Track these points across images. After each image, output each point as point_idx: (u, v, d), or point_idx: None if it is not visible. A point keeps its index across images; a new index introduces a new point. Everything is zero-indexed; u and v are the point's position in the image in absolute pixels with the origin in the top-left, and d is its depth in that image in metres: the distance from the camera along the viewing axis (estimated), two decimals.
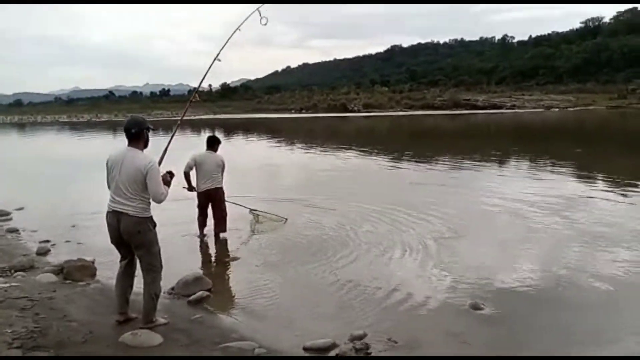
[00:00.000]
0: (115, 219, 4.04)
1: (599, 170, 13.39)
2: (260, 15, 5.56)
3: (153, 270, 4.19)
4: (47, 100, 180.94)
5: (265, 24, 5.45)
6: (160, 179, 4.06)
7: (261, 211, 8.54)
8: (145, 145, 4.15)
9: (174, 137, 4.95)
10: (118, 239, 4.14)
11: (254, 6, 5.72)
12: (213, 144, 7.66)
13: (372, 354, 3.87)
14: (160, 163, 4.30)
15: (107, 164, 4.11)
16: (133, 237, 4.05)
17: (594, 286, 5.30)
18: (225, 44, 5.65)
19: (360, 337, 4.08)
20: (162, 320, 4.33)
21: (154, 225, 4.18)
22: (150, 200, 4.09)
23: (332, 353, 3.89)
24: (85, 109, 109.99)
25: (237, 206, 8.39)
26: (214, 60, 5.61)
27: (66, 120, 76.61)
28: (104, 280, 5.63)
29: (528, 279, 5.50)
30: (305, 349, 3.97)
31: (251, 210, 8.54)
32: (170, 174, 4.35)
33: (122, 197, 3.99)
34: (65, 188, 12.64)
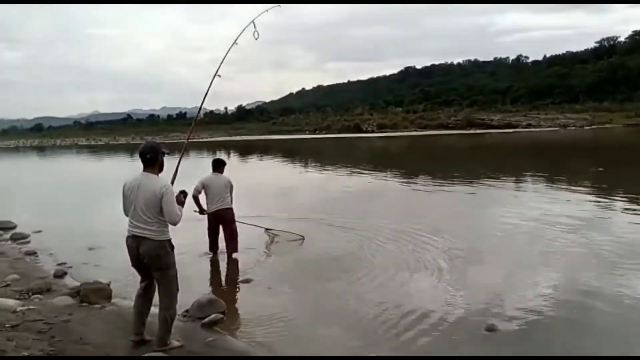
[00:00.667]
0: (135, 243, 4.11)
1: (619, 189, 13.20)
2: (254, 27, 5.73)
3: (170, 294, 4.23)
4: (66, 124, 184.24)
5: (257, 38, 5.66)
6: (175, 200, 4.12)
7: (277, 230, 8.55)
8: (161, 170, 4.23)
9: (183, 157, 5.03)
10: (138, 262, 4.20)
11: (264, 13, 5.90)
12: (219, 166, 7.78)
13: None
14: (172, 183, 4.40)
15: (123, 189, 4.19)
16: (153, 260, 4.11)
17: (611, 311, 5.20)
18: (224, 59, 5.77)
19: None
20: (176, 343, 4.34)
21: (172, 247, 4.23)
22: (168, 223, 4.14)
23: None
24: (104, 132, 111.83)
25: (252, 227, 8.43)
26: (214, 76, 5.72)
27: (85, 143, 77.96)
28: (120, 303, 5.67)
29: (544, 302, 5.41)
30: None
31: (267, 229, 8.57)
32: (184, 194, 4.43)
33: (141, 221, 4.06)
34: (82, 211, 12.82)
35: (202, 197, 7.64)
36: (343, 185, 16.80)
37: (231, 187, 7.66)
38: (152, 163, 4.14)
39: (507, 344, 4.46)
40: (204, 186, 7.55)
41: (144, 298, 4.39)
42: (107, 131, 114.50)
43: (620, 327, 4.84)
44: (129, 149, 49.36)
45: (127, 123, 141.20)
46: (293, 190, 16.60)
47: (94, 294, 5.81)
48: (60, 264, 7.51)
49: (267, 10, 6.24)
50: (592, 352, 4.31)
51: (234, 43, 5.69)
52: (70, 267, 7.34)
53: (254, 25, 5.77)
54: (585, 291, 5.69)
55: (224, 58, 5.75)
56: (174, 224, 4.14)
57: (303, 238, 8.50)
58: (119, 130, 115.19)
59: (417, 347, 4.44)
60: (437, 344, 4.50)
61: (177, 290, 4.32)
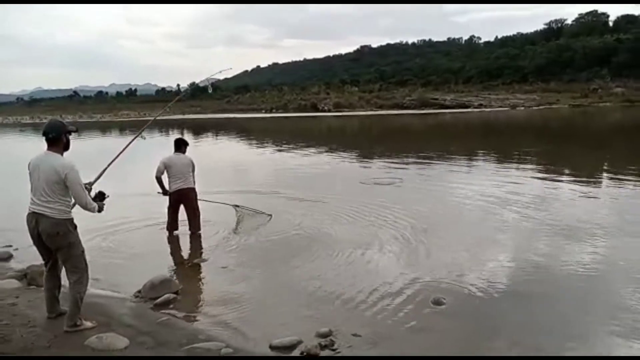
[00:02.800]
0: (34, 220, 4.10)
1: (564, 166, 13.89)
2: (210, 85, 6.10)
3: (76, 271, 4.22)
4: (8, 100, 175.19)
5: (210, 92, 5.95)
6: (82, 183, 4.14)
7: (245, 208, 8.62)
8: (66, 148, 4.23)
9: (123, 152, 5.26)
10: (38, 240, 4.18)
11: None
12: (180, 146, 7.75)
13: (337, 350, 3.96)
14: (99, 178, 4.62)
15: (28, 168, 4.18)
16: (52, 238, 4.10)
17: (559, 279, 5.56)
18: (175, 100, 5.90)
19: (326, 335, 4.18)
20: (88, 324, 4.30)
21: (75, 227, 4.22)
22: (71, 204, 4.17)
23: (298, 350, 3.97)
24: (49, 110, 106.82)
25: (218, 205, 8.49)
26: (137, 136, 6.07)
27: (29, 121, 74.28)
28: (67, 283, 5.56)
29: (493, 274, 5.69)
30: (271, 347, 4.04)
31: (235, 206, 8.60)
32: (101, 196, 4.43)
33: (41, 199, 4.07)
34: (26, 191, 12.32)
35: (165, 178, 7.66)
36: (303, 164, 16.91)
37: (193, 166, 7.68)
38: (56, 142, 4.14)
39: (452, 315, 4.67)
40: (165, 166, 7.55)
41: (50, 278, 4.39)
42: (52, 109, 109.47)
43: (568, 294, 5.17)
44: (76, 127, 47.46)
45: (73, 100, 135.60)
46: (253, 168, 16.59)
47: (41, 276, 5.65)
48: (4, 247, 7.27)
49: (220, 72, 6.65)
50: (539, 315, 4.60)
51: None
52: (16, 249, 7.11)
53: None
54: (532, 264, 6.01)
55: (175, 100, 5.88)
56: (86, 209, 4.20)
57: (271, 216, 8.59)
58: (64, 107, 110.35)
59: (365, 319, 4.60)
60: (387, 316, 4.67)
61: (87, 267, 4.31)
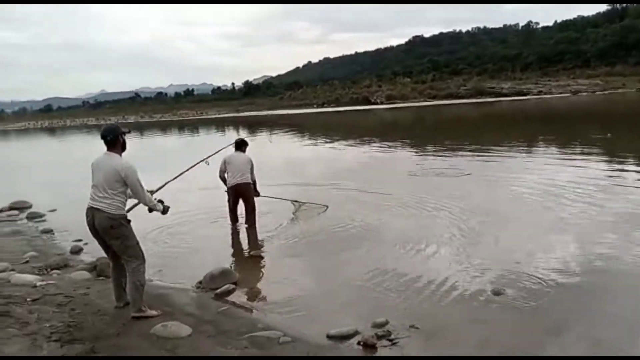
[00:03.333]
0: (91, 214, 4.39)
1: (632, 155, 13.09)
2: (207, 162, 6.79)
3: (132, 261, 4.46)
4: (75, 104, 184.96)
5: (208, 164, 6.76)
6: (140, 181, 4.41)
7: (301, 201, 8.89)
8: (123, 149, 4.53)
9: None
10: (94, 233, 4.47)
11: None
12: (240, 146, 8.14)
13: (395, 340, 3.95)
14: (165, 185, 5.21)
15: (91, 167, 4.49)
16: (106, 231, 4.37)
17: (624, 273, 5.25)
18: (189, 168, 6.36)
19: (383, 325, 4.17)
20: (153, 312, 4.54)
21: (128, 222, 4.50)
22: (126, 202, 4.47)
23: (355, 340, 3.98)
24: (112, 111, 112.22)
25: (277, 200, 8.76)
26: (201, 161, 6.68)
27: (94, 123, 78.21)
28: None
29: (556, 266, 5.47)
30: (328, 336, 4.07)
31: (292, 201, 8.93)
32: (160, 204, 4.74)
33: (99, 195, 4.34)
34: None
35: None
36: (358, 157, 16.95)
37: (252, 164, 7.97)
38: (114, 143, 4.45)
39: (512, 307, 4.54)
40: (225, 164, 7.89)
41: (115, 268, 4.66)
42: (115, 110, 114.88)
43: (629, 294, 4.86)
44: (137, 128, 49.58)
45: (135, 102, 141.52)
46: (308, 162, 16.78)
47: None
48: (76, 241, 7.70)
49: (217, 152, 7.49)
50: (594, 315, 4.38)
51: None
52: (86, 243, 7.49)
53: (207, 162, 6.78)
54: (597, 257, 5.71)
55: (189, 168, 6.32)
56: (147, 205, 4.60)
57: (327, 207, 8.75)
58: (127, 109, 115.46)
59: (422, 310, 4.55)
60: (445, 307, 4.61)
61: (143, 257, 4.55)
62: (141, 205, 4.73)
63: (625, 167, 11.51)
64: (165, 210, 4.77)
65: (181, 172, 5.90)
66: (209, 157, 6.75)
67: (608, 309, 4.47)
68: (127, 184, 4.35)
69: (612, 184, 9.59)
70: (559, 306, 4.53)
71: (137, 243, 4.55)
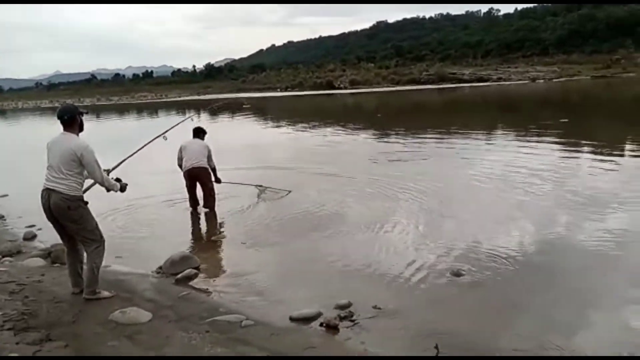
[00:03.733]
0: (47, 195, 4.27)
1: (585, 138, 13.54)
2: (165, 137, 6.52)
3: (90, 243, 4.39)
4: (28, 85, 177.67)
5: (166, 139, 6.46)
6: (97, 161, 4.32)
7: (265, 186, 8.88)
8: (81, 129, 4.43)
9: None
10: (50, 215, 4.34)
11: None
12: (198, 133, 8.08)
13: (357, 321, 3.98)
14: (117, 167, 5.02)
15: (47, 147, 4.36)
16: (63, 212, 4.26)
17: (580, 251, 5.46)
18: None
19: (346, 306, 4.20)
20: (106, 293, 4.50)
21: (86, 203, 4.39)
22: (82, 182, 4.37)
23: (318, 321, 4.00)
24: (67, 93, 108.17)
25: (238, 185, 8.75)
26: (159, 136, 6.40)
27: (48, 105, 75.19)
28: None
29: (514, 246, 5.62)
30: (291, 319, 4.07)
31: (255, 185, 8.91)
32: (118, 182, 4.64)
33: (54, 175, 4.24)
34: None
35: None
36: (320, 141, 16.92)
37: (209, 150, 7.89)
38: (71, 123, 4.34)
39: (471, 287, 4.66)
40: (182, 149, 7.84)
41: (71, 253, 4.56)
42: (71, 92, 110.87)
43: (589, 265, 5.11)
44: (94, 110, 47.99)
45: (91, 83, 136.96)
46: (270, 145, 16.66)
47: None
48: (29, 227, 7.43)
49: (174, 127, 7.10)
50: (550, 292, 4.52)
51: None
52: (40, 229, 7.23)
53: (165, 137, 6.47)
54: (553, 238, 5.92)
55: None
56: (103, 185, 4.50)
57: (289, 192, 8.74)
58: (83, 91, 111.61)
59: (384, 291, 4.61)
60: (407, 289, 4.68)
61: (102, 238, 4.47)
62: (97, 185, 4.60)
63: (580, 150, 11.94)
64: (123, 188, 4.67)
65: (138, 148, 5.71)
66: (166, 131, 6.54)
67: (563, 287, 4.62)
68: (83, 164, 4.24)
69: (567, 167, 9.94)
70: (516, 285, 4.68)
71: (97, 225, 4.45)
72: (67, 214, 4.26)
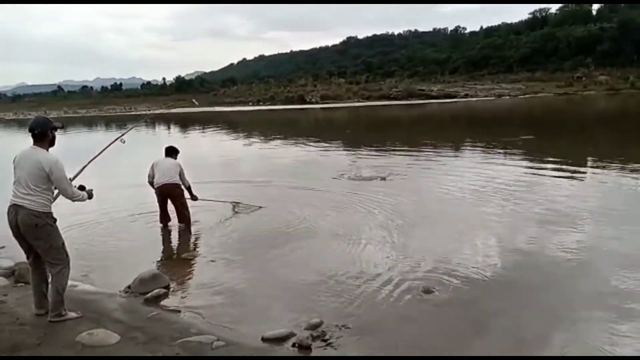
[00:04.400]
0: (14, 212, 4.14)
1: (550, 153, 13.98)
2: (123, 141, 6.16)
3: (57, 264, 4.26)
4: None
5: (124, 142, 6.12)
6: (66, 177, 4.22)
7: (237, 202, 8.91)
8: (51, 144, 4.31)
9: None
10: (17, 232, 4.21)
11: None
12: (171, 153, 8.07)
13: (329, 340, 3.99)
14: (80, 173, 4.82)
15: (13, 162, 4.24)
16: (30, 229, 4.14)
17: (546, 267, 5.60)
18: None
19: (317, 325, 4.20)
20: (72, 314, 4.37)
21: (54, 220, 4.27)
22: (52, 199, 4.25)
23: (290, 342, 3.98)
24: (32, 105, 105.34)
25: (211, 202, 8.70)
26: (117, 139, 6.09)
27: (12, 117, 73.11)
28: None
29: (482, 263, 5.72)
30: (263, 339, 4.05)
31: (227, 202, 8.93)
32: (81, 189, 4.47)
33: (22, 191, 4.11)
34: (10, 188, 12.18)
35: None
36: (291, 155, 16.95)
37: (181, 169, 7.88)
38: (41, 138, 4.22)
39: (441, 304, 4.72)
40: (154, 167, 7.82)
41: (35, 273, 4.41)
42: (36, 104, 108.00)
43: (556, 280, 5.23)
44: (61, 122, 46.78)
45: (57, 95, 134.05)
46: (242, 160, 16.60)
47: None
48: None
49: (130, 129, 7.12)
50: (528, 304, 4.63)
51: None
52: (3, 247, 6.99)
53: (123, 140, 6.13)
54: (520, 253, 6.05)
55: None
56: (74, 200, 4.37)
57: (260, 207, 8.78)
58: (49, 103, 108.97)
59: (355, 310, 4.62)
60: (377, 306, 4.71)
61: (68, 259, 4.34)
62: (60, 197, 4.48)
63: (544, 166, 12.30)
64: (90, 195, 4.55)
65: (97, 153, 5.47)
66: (123, 134, 6.31)
67: (531, 303, 4.73)
68: (51, 180, 4.11)
69: (532, 182, 10.23)
70: (485, 302, 4.76)
71: (63, 244, 4.32)
72: (34, 231, 4.13)
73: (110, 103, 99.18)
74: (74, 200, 4.39)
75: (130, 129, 7.11)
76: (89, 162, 5.26)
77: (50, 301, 4.31)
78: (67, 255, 4.34)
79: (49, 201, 4.22)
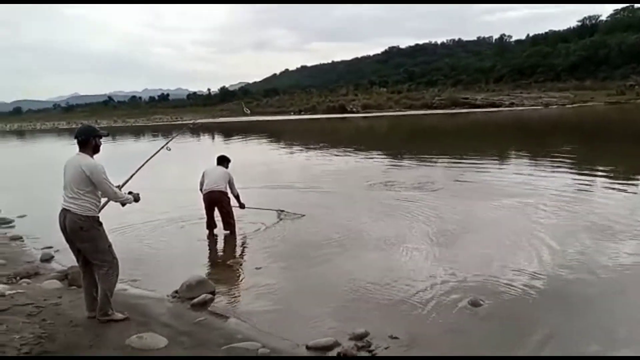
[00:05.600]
0: (63, 216, 4.32)
1: (601, 164, 13.47)
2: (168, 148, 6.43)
3: (103, 266, 4.40)
4: (46, 107, 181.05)
5: (169, 150, 6.40)
6: (107, 178, 4.37)
7: (281, 210, 9.05)
8: (95, 151, 4.49)
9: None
10: (66, 236, 4.39)
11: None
12: (221, 161, 8.29)
13: (374, 351, 3.93)
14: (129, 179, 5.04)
15: (63, 169, 4.44)
16: (76, 233, 4.30)
17: (600, 280, 5.37)
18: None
19: (362, 336, 4.15)
20: (119, 315, 4.51)
21: (100, 224, 4.42)
22: (98, 202, 4.41)
23: (335, 351, 3.95)
24: (84, 115, 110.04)
25: (256, 209, 8.83)
26: (162, 147, 6.33)
27: (65, 127, 76.46)
28: None
29: (532, 275, 5.54)
30: (308, 347, 4.04)
31: (272, 210, 9.07)
32: (135, 197, 4.74)
33: (69, 196, 4.31)
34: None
35: None
36: (333, 164, 16.96)
37: (230, 178, 8.07)
38: (85, 144, 4.43)
39: (490, 317, 4.58)
40: (204, 175, 8.05)
41: (86, 276, 4.56)
42: (87, 114, 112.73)
43: (608, 294, 5.01)
44: (110, 132, 48.57)
45: (108, 105, 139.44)
46: (284, 168, 16.71)
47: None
48: (46, 248, 7.49)
49: (175, 137, 7.24)
50: (571, 323, 4.43)
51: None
52: (57, 250, 7.29)
53: (168, 148, 6.42)
54: (571, 265, 5.83)
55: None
56: (117, 201, 4.57)
57: (302, 215, 8.87)
58: (100, 112, 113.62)
59: (401, 320, 4.55)
60: (424, 318, 4.62)
61: (114, 261, 4.48)
62: (112, 203, 4.70)
63: (594, 177, 11.83)
64: (136, 199, 4.74)
65: (144, 162, 5.70)
66: (168, 142, 6.52)
67: (585, 318, 4.53)
68: (93, 183, 4.28)
69: (583, 194, 9.83)
70: (535, 316, 4.59)
71: (110, 246, 4.47)
72: (80, 234, 4.29)
73: (157, 113, 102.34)
74: (117, 201, 4.57)
75: (174, 136, 7.26)
76: (136, 171, 5.45)
77: (99, 301, 4.46)
78: (113, 258, 4.48)
79: (95, 205, 4.38)
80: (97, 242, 4.36)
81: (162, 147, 6.29)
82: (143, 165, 5.64)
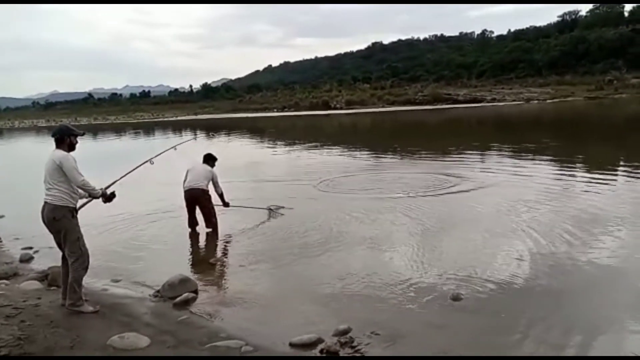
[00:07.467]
0: (43, 207, 4.61)
1: (581, 158, 13.70)
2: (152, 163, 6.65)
3: (70, 256, 4.61)
4: (24, 104, 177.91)
5: (153, 164, 6.60)
6: (76, 168, 4.56)
7: (264, 207, 9.01)
8: (71, 149, 4.73)
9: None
10: (46, 227, 4.66)
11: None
12: (208, 160, 8.24)
13: (357, 347, 3.95)
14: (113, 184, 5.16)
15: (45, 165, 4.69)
16: (51, 222, 4.58)
17: (580, 273, 5.46)
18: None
19: (345, 332, 4.17)
20: (89, 308, 4.67)
21: (73, 215, 4.65)
22: (72, 193, 4.60)
23: (318, 348, 3.97)
24: (64, 113, 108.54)
25: (238, 207, 8.78)
26: (146, 162, 6.55)
27: (44, 124, 75.22)
28: (89, 285, 5.62)
29: (513, 269, 5.62)
30: (291, 345, 4.05)
31: (256, 208, 9.01)
32: (104, 192, 4.90)
33: (47, 187, 4.59)
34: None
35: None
36: (316, 160, 16.94)
37: (212, 175, 8.02)
38: (60, 142, 4.71)
39: (471, 312, 4.64)
40: (187, 172, 8.03)
41: (64, 264, 4.77)
42: (67, 112, 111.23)
43: (588, 285, 5.13)
44: (90, 130, 48.03)
45: (88, 103, 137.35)
46: (266, 163, 16.66)
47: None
48: (25, 249, 7.38)
49: (160, 154, 7.22)
50: (551, 316, 4.49)
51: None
52: (37, 251, 7.22)
53: (152, 162, 6.68)
54: (552, 258, 5.91)
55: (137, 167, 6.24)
56: (83, 189, 4.70)
57: (291, 209, 8.99)
58: (80, 110, 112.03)
59: (383, 316, 4.57)
60: (406, 313, 4.66)
61: (82, 253, 4.65)
62: (90, 204, 4.94)
63: (576, 172, 12.03)
64: (107, 197, 4.88)
65: (127, 172, 5.81)
66: (154, 157, 6.72)
67: (564, 311, 4.60)
68: (64, 172, 4.49)
69: (564, 188, 9.99)
70: (515, 310, 4.66)
71: (79, 239, 4.65)
72: (53, 223, 4.56)
73: (138, 110, 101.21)
74: (85, 190, 4.70)
75: (160, 153, 7.27)
76: (120, 178, 5.51)
77: (68, 291, 4.63)
78: (82, 250, 4.65)
79: (69, 195, 4.58)
80: (67, 232, 4.57)
81: (146, 162, 6.52)
82: (125, 175, 5.73)
